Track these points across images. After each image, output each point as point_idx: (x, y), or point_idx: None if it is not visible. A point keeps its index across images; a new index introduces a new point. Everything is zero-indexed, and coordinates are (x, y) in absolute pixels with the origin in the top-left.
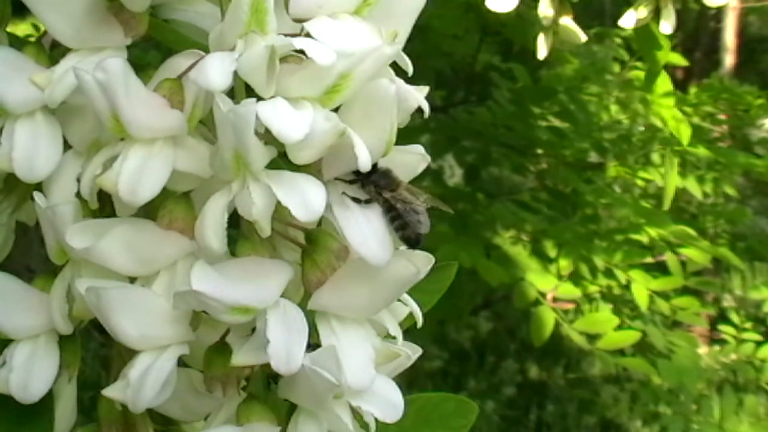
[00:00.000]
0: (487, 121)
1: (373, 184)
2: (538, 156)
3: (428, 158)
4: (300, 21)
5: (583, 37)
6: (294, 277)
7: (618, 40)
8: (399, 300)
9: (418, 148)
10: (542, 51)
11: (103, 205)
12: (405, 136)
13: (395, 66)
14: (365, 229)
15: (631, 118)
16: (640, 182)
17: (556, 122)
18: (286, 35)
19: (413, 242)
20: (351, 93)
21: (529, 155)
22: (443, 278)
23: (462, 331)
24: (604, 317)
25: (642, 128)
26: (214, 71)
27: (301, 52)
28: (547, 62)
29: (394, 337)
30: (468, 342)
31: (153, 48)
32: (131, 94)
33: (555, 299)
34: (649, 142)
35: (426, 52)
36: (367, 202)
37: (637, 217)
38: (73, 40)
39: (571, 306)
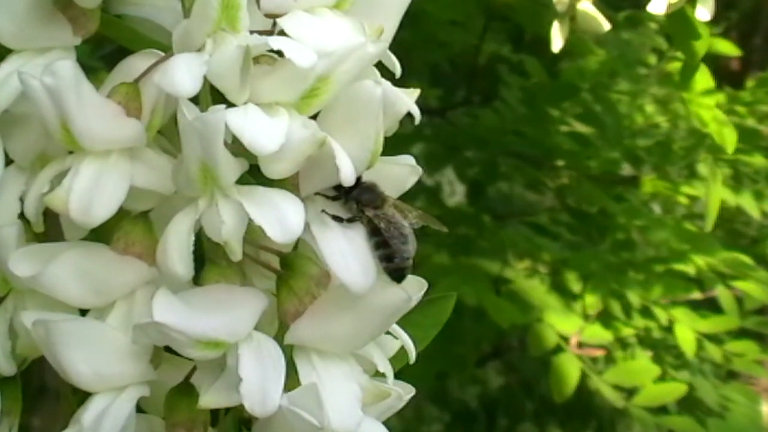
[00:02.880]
0: (494, 126)
1: (355, 201)
2: (557, 169)
3: (420, 170)
4: (272, 16)
5: (606, 25)
6: (268, 307)
7: (654, 26)
8: (389, 333)
9: (408, 159)
10: (557, 42)
11: (49, 228)
12: (394, 145)
13: (381, 66)
14: (347, 252)
15: (671, 121)
16: (683, 199)
17: (579, 127)
18: (258, 33)
19: (399, 276)
20: (331, 97)
21: (546, 168)
22: (440, 312)
23: (467, 386)
24: (641, 367)
25: (684, 133)
26: (182, 75)
27: (277, 52)
28: (566, 54)
29: (383, 375)
30: (474, 400)
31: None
32: (83, 100)
33: (580, 345)
34: (694, 149)
35: (418, 42)
36: (350, 220)
37: (680, 243)
38: (15, 39)
39: (600, 353)
